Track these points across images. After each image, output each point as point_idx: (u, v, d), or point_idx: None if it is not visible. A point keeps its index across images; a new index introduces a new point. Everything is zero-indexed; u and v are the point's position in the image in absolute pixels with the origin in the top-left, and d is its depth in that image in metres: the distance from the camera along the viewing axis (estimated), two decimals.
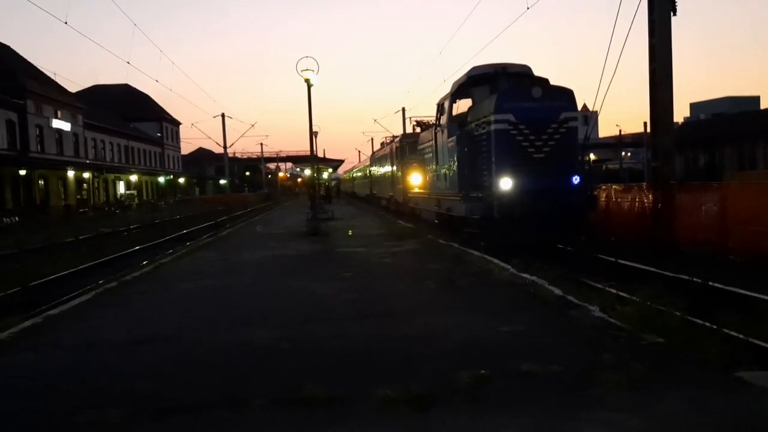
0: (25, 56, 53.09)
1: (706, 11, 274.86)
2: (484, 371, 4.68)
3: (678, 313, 6.39)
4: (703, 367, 4.64)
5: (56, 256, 17.93)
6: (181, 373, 5.08)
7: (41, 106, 47.03)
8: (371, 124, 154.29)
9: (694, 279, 9.19)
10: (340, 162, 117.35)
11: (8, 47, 51.62)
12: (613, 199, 16.07)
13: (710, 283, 8.98)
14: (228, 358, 5.51)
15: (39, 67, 52.75)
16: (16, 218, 35.14)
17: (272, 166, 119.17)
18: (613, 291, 8.48)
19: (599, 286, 9.28)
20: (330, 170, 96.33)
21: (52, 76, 53.96)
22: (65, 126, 50.97)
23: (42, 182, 44.85)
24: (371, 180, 41.51)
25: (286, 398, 4.34)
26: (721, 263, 11.15)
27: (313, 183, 27.04)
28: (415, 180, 21.40)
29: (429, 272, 9.99)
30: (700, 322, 6.58)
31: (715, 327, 6.20)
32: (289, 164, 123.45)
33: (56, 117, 49.42)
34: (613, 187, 16.82)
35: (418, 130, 26.54)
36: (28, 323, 7.28)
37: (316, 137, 25.19)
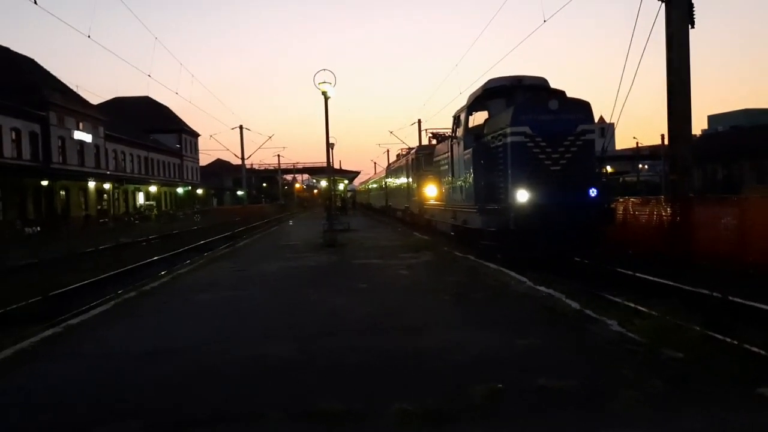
0: (48, 69, 54.01)
1: (724, 23, 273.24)
2: (500, 386, 4.66)
3: (697, 328, 6.32)
4: (723, 383, 4.59)
5: (76, 266, 18.15)
6: (198, 386, 5.12)
7: (63, 118, 47.75)
8: (387, 136, 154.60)
9: (714, 293, 9.08)
10: (356, 173, 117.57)
11: (32, 60, 52.57)
12: (631, 212, 15.95)
13: (730, 298, 8.87)
14: (245, 370, 5.54)
15: (62, 80, 53.72)
16: (38, 228, 35.65)
17: (289, 177, 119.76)
18: (631, 305, 8.41)
19: (617, 299, 9.21)
20: (346, 182, 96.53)
21: (75, 89, 54.88)
22: (87, 137, 51.68)
23: (63, 193, 45.45)
24: (387, 192, 41.56)
25: (302, 412, 4.36)
26: (741, 278, 11.00)
27: (329, 194, 27.14)
28: (431, 192, 21.40)
29: (445, 285, 9.97)
30: (720, 337, 6.50)
31: (735, 342, 6.12)
32: (305, 175, 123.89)
33: (78, 129, 50.13)
34: (631, 199, 16.70)
35: (434, 142, 26.56)
36: (48, 332, 7.38)
37: (332, 149, 25.33)
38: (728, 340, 6.34)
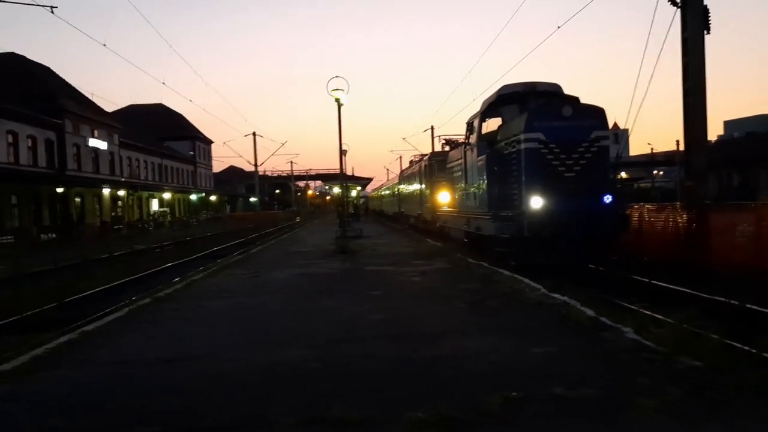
0: (64, 77, 54.63)
1: (740, 27, 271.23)
2: (515, 394, 4.62)
3: (715, 337, 6.24)
4: (742, 393, 4.51)
5: (91, 273, 18.28)
6: (211, 392, 5.12)
7: (79, 126, 48.23)
8: (400, 143, 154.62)
9: (731, 301, 8.97)
10: (369, 180, 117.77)
11: (48, 68, 53.19)
12: (646, 219, 15.81)
13: (748, 306, 8.76)
14: (258, 377, 5.53)
15: (77, 88, 54.29)
16: (53, 235, 35.96)
17: (301, 184, 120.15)
18: (647, 312, 8.32)
19: (632, 307, 9.12)
20: (358, 188, 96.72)
21: (90, 97, 55.43)
22: (101, 145, 52.15)
23: (78, 200, 45.87)
24: (399, 198, 41.55)
25: (315, 419, 4.33)
26: (758, 285, 10.86)
27: (341, 201, 27.17)
28: (444, 198, 21.36)
29: (458, 292, 9.93)
30: (739, 345, 6.41)
31: (754, 351, 6.04)
32: (318, 182, 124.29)
33: (93, 136, 50.62)
34: (646, 206, 16.56)
35: (446, 148, 26.53)
36: (63, 339, 7.43)
37: (345, 156, 25.38)
38: (747, 348, 6.26)
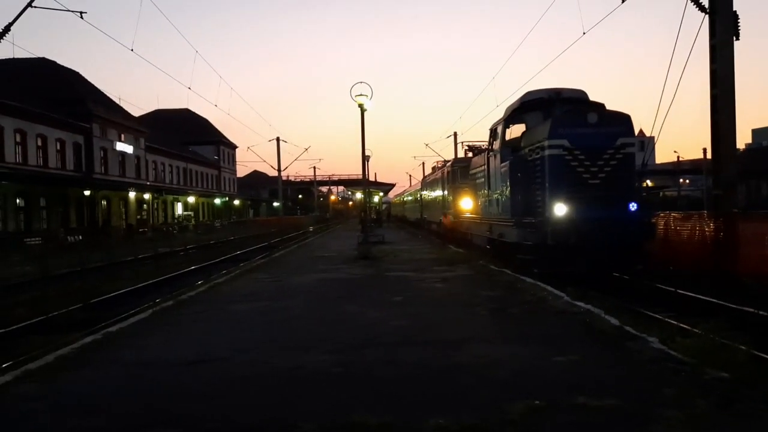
0: (92, 82, 55.60)
1: None
2: (538, 402, 4.57)
3: (743, 348, 6.11)
4: None
5: (116, 275, 18.52)
6: (233, 395, 5.14)
7: (106, 130, 49.02)
8: (422, 149, 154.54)
9: (760, 312, 8.79)
10: (391, 186, 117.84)
11: (77, 73, 54.16)
12: (672, 228, 15.58)
13: None
14: (280, 381, 5.54)
15: (105, 92, 55.22)
16: (80, 237, 36.53)
17: (324, 189, 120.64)
18: (673, 322, 8.19)
19: (658, 316, 8.99)
20: (381, 194, 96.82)
21: (117, 101, 56.37)
22: (128, 149, 52.94)
23: (105, 203, 46.57)
24: (422, 204, 41.50)
25: (335, 424, 4.33)
26: None
27: (364, 207, 27.21)
28: (467, 205, 21.28)
29: (481, 299, 9.87)
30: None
31: None
32: (341, 187, 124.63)
33: (120, 140, 51.40)
34: (672, 214, 16.32)
35: (470, 154, 26.45)
36: (88, 339, 7.53)
37: (368, 161, 25.42)
38: None
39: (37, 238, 32.68)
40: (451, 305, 9.50)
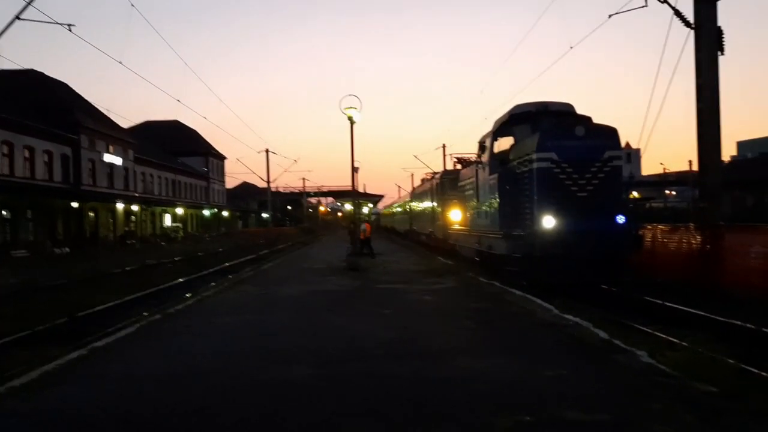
0: (81, 93, 55.31)
1: (753, 47, 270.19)
2: (527, 417, 4.56)
3: (731, 361, 6.15)
4: (759, 419, 4.43)
5: (103, 287, 18.34)
6: (221, 409, 5.09)
7: (95, 141, 48.73)
8: (411, 160, 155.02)
9: (747, 324, 8.84)
10: (380, 197, 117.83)
11: (66, 84, 53.88)
12: (659, 240, 15.69)
13: (764, 329, 8.62)
14: (267, 394, 5.50)
15: (93, 104, 54.89)
16: (67, 249, 36.21)
17: (313, 200, 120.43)
18: (662, 335, 8.22)
19: (646, 329, 9.02)
20: (370, 205, 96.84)
21: (106, 113, 56.06)
22: (116, 160, 52.63)
23: (92, 214, 46.21)
24: (411, 216, 41.53)
25: None
26: None
27: (353, 218, 27.17)
28: (455, 216, 21.32)
29: (469, 311, 9.87)
30: (756, 371, 6.30)
31: None
32: (330, 199, 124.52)
33: (108, 152, 51.10)
34: (659, 227, 16.43)
35: (458, 166, 26.55)
36: (74, 354, 7.43)
37: (357, 173, 25.45)
38: (764, 374, 6.15)
39: (24, 250, 32.36)
40: (440, 318, 9.49)
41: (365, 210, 70.03)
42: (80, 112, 48.18)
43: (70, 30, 17.07)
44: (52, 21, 17.27)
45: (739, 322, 9.08)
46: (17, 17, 16.15)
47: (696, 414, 4.50)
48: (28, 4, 16.04)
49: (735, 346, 7.21)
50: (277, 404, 5.22)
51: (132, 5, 19.43)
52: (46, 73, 51.91)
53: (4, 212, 36.48)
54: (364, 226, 25.59)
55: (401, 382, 5.75)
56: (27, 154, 40.10)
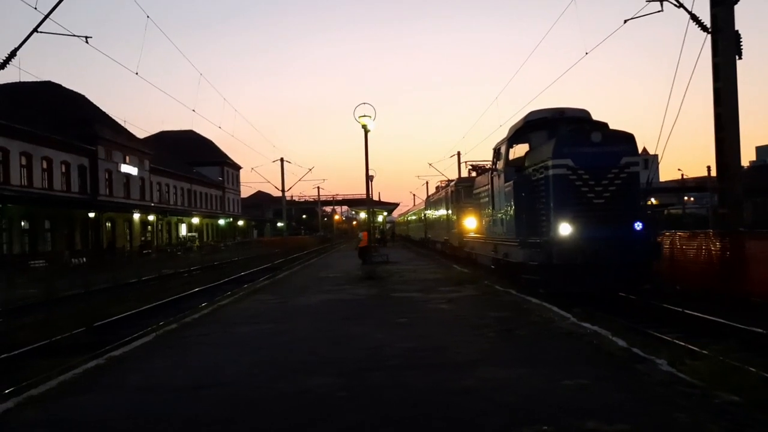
0: (98, 105, 55.98)
1: None
2: (546, 428, 4.50)
3: (754, 370, 6.03)
4: None
5: (120, 297, 18.47)
6: (239, 421, 5.08)
7: (111, 152, 49.26)
8: (426, 168, 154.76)
9: None
10: (395, 205, 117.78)
11: (83, 96, 54.58)
12: (678, 247, 15.50)
13: None
14: (286, 405, 5.48)
15: (110, 115, 55.65)
16: (84, 259, 36.52)
17: (328, 209, 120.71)
18: (682, 344, 8.09)
19: (666, 338, 8.90)
20: (385, 213, 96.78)
21: (122, 123, 56.68)
22: (133, 171, 53.15)
23: (109, 224, 46.64)
24: (426, 224, 41.48)
25: None
26: None
27: (368, 227, 27.17)
28: (471, 224, 21.25)
29: (487, 320, 9.79)
30: None
31: None
32: (345, 207, 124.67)
33: (125, 162, 51.63)
34: (678, 233, 16.24)
35: (473, 174, 26.48)
36: (91, 364, 7.47)
37: (371, 181, 25.44)
38: None
39: (42, 261, 32.66)
40: (458, 327, 9.42)
41: (380, 218, 69.91)
42: (97, 123, 48.76)
43: (87, 42, 17.26)
44: (70, 33, 17.49)
45: (761, 330, 8.93)
46: (35, 30, 16.35)
47: (722, 425, 4.41)
48: (46, 17, 16.24)
49: (758, 355, 7.08)
50: (296, 416, 5.19)
51: (148, 17, 19.64)
52: (64, 84, 52.71)
53: (22, 223, 36.92)
54: (361, 235, 25.67)
55: (422, 393, 5.71)
56: (45, 165, 40.62)
